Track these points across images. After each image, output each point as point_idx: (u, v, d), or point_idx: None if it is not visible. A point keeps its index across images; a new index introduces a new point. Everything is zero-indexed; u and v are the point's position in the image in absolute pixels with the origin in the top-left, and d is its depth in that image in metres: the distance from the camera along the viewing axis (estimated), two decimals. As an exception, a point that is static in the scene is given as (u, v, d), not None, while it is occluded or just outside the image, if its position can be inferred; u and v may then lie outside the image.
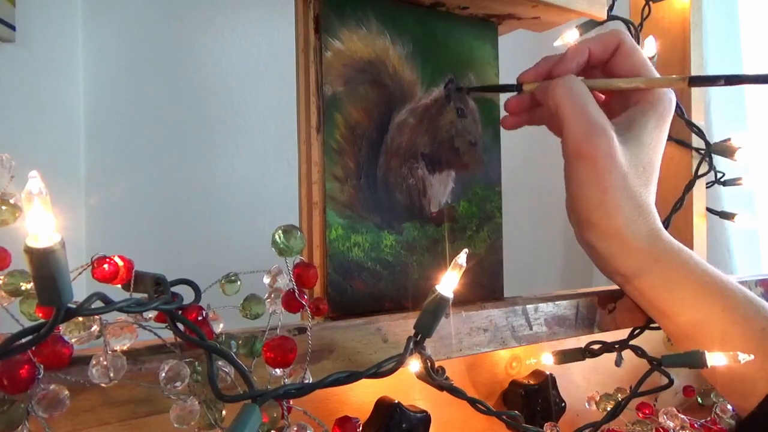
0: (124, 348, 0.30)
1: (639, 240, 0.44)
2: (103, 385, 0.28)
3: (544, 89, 0.46)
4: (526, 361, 0.52)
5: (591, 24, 0.57)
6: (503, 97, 0.51)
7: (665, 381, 0.47)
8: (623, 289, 0.48)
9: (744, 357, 0.40)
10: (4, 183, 0.28)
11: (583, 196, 0.44)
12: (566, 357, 0.50)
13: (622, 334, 0.52)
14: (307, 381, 0.34)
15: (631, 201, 0.43)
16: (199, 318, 0.31)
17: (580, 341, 0.52)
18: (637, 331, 0.51)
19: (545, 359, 0.51)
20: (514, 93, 0.48)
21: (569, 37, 0.57)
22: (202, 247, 0.74)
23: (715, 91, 0.88)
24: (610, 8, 0.57)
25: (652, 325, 0.51)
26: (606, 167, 0.42)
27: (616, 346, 0.49)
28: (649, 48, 0.58)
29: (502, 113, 0.51)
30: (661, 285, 0.44)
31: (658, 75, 0.46)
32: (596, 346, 0.49)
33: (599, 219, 0.44)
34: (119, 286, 0.31)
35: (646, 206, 0.44)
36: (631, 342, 0.49)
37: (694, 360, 0.43)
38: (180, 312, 0.30)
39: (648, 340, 0.54)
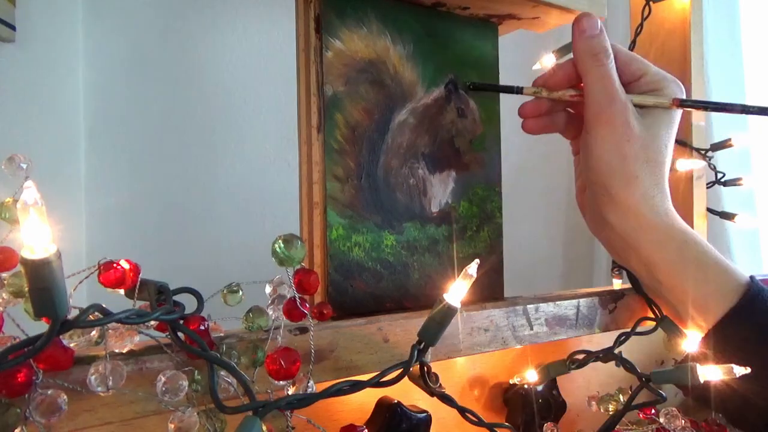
0: (125, 350, 0.30)
1: (656, 216, 0.44)
2: (101, 394, 0.28)
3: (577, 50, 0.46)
4: (510, 380, 0.50)
5: (568, 47, 0.57)
6: (504, 98, 0.51)
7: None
8: (637, 273, 0.48)
9: (739, 370, 0.40)
10: (17, 183, 0.28)
11: (603, 164, 0.45)
12: (551, 371, 0.49)
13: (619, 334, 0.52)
14: (310, 388, 0.34)
15: (650, 175, 0.44)
16: (201, 328, 0.31)
17: (581, 341, 0.52)
18: (623, 338, 0.50)
19: (529, 376, 0.49)
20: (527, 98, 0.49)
21: (546, 61, 0.57)
22: (202, 247, 0.74)
23: (716, 91, 0.88)
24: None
25: (638, 330, 0.51)
26: (624, 135, 0.44)
27: (600, 355, 0.48)
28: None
29: (503, 113, 0.51)
30: (673, 265, 0.45)
31: (659, 70, 0.47)
32: (580, 356, 0.48)
33: (618, 190, 0.44)
34: (120, 289, 0.31)
35: (663, 184, 0.45)
36: (621, 351, 0.48)
37: (684, 375, 0.43)
38: (182, 322, 0.30)
39: (648, 343, 0.54)
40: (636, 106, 0.45)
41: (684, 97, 0.46)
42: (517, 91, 0.48)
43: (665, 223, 0.45)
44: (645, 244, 0.45)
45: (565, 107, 0.50)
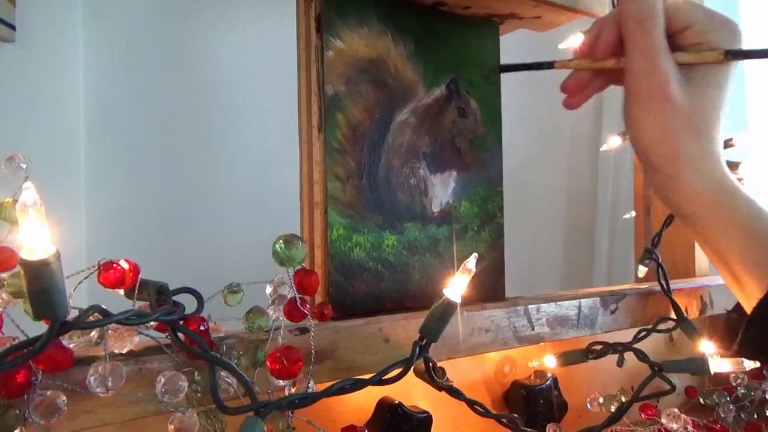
0: (124, 351, 0.30)
1: (701, 185, 0.42)
2: (100, 394, 0.28)
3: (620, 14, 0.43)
4: (529, 363, 0.52)
5: None
6: (505, 98, 0.51)
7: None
8: (690, 229, 0.46)
9: (749, 364, 0.39)
10: (17, 183, 0.28)
11: (645, 137, 0.43)
12: (569, 359, 0.50)
13: (621, 334, 0.52)
14: (311, 389, 0.34)
15: (696, 144, 0.42)
16: (201, 328, 0.31)
17: (581, 341, 0.52)
18: (642, 334, 0.51)
19: (548, 361, 0.50)
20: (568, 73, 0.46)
21: (574, 41, 0.57)
22: (202, 247, 0.74)
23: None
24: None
25: (659, 327, 0.51)
26: (663, 108, 0.41)
27: (620, 348, 0.49)
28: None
29: (504, 112, 0.51)
30: (722, 230, 0.43)
31: (707, 17, 0.43)
32: (598, 347, 0.49)
33: (662, 163, 0.43)
34: (120, 290, 0.31)
35: (712, 150, 0.43)
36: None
37: (695, 366, 0.43)
38: (181, 322, 0.30)
39: (649, 341, 0.54)
40: (681, 64, 0.42)
41: (738, 43, 0.42)
42: (547, 66, 0.46)
43: (713, 190, 0.42)
44: (691, 212, 0.43)
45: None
